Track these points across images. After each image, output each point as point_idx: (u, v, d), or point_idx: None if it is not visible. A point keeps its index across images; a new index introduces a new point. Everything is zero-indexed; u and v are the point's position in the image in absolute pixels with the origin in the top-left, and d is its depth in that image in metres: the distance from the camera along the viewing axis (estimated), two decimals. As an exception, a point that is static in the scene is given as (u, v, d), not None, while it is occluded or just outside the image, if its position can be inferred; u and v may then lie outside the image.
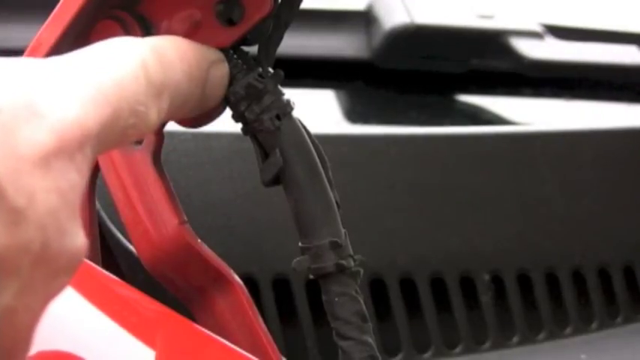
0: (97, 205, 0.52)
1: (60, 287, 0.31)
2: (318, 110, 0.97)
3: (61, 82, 0.32)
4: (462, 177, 0.84)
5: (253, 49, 0.46)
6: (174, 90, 0.38)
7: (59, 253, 0.30)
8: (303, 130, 0.45)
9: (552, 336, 0.84)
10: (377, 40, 1.00)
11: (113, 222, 0.60)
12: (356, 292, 0.44)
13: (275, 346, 0.48)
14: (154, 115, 0.36)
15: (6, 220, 0.28)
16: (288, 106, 0.44)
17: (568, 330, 0.85)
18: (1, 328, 0.29)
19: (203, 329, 0.46)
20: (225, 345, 0.45)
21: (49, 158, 0.30)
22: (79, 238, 0.31)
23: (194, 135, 0.74)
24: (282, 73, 0.45)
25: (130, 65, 0.36)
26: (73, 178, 0.31)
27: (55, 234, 0.30)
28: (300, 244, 0.44)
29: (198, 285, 0.48)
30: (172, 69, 0.38)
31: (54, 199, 0.30)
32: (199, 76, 0.41)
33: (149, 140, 0.47)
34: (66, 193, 0.30)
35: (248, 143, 0.45)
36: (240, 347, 0.46)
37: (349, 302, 0.44)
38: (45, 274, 0.30)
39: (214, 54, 0.42)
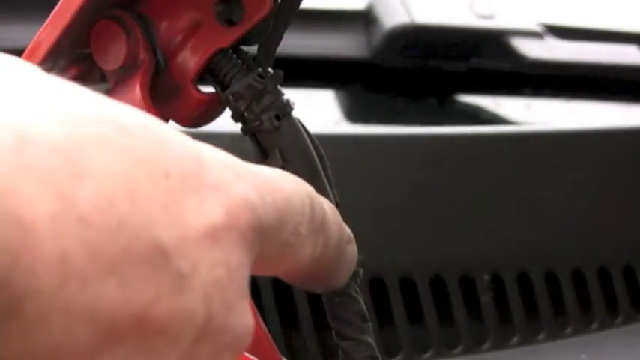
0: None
1: None
2: (318, 110, 0.97)
3: (236, 166, 0.31)
4: (462, 177, 0.84)
5: (253, 49, 0.46)
6: (328, 241, 0.37)
7: (223, 330, 0.29)
8: (302, 130, 0.45)
9: (552, 336, 0.84)
10: (377, 40, 1.00)
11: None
12: (356, 291, 0.44)
13: (275, 346, 0.48)
14: (308, 250, 0.35)
15: (171, 284, 0.28)
16: (287, 106, 0.44)
17: (568, 330, 0.85)
18: None
19: (203, 329, 0.46)
20: (225, 345, 0.45)
21: (218, 231, 0.29)
22: (246, 318, 0.30)
23: (194, 135, 0.73)
24: (281, 73, 0.45)
25: (299, 188, 0.35)
26: (243, 257, 0.30)
27: (221, 308, 0.29)
28: (299, 244, 0.44)
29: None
30: (327, 217, 0.37)
31: (222, 272, 0.29)
32: (341, 243, 0.38)
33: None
34: (234, 269, 0.29)
35: (248, 143, 0.45)
36: (240, 347, 0.46)
37: (349, 302, 0.44)
38: (207, 349, 0.29)
39: (349, 231, 0.40)
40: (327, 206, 0.37)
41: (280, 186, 0.33)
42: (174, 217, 0.28)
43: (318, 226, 0.36)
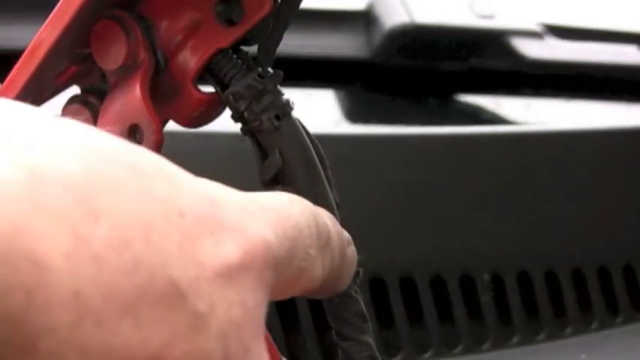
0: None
1: None
2: (318, 110, 0.97)
3: (249, 203, 0.32)
4: (461, 177, 0.84)
5: (253, 49, 0.46)
6: (333, 254, 0.37)
7: None
8: (302, 130, 0.45)
9: (552, 336, 0.84)
10: (377, 40, 1.00)
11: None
12: (355, 292, 0.44)
13: (275, 346, 0.48)
14: (319, 268, 0.35)
15: (188, 325, 0.27)
16: (287, 106, 0.44)
17: (568, 330, 0.85)
18: None
19: (203, 329, 0.46)
20: (225, 345, 0.45)
21: (234, 271, 0.29)
22: (262, 359, 0.30)
23: (194, 135, 0.74)
24: (281, 73, 0.45)
25: (305, 211, 0.35)
26: (260, 297, 0.30)
27: (238, 349, 0.29)
28: (299, 244, 0.44)
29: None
30: (330, 230, 0.37)
31: (238, 312, 0.29)
32: (343, 253, 0.39)
33: (149, 140, 0.47)
34: (251, 309, 0.29)
35: (247, 143, 0.45)
36: (240, 347, 0.46)
37: (349, 302, 0.44)
38: None
39: (347, 234, 0.41)
40: (327, 218, 0.37)
41: (288, 214, 0.33)
42: (190, 256, 0.28)
43: (325, 243, 0.36)
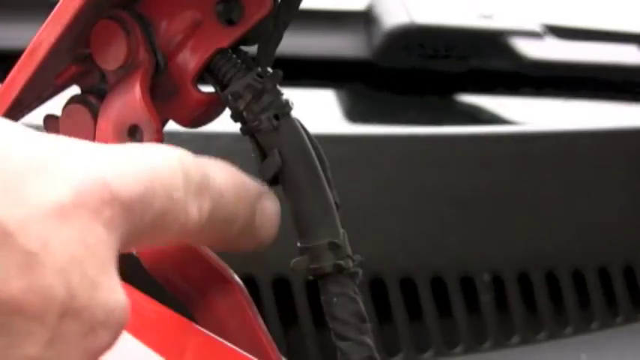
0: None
1: (102, 343, 0.31)
2: (318, 110, 0.97)
3: (89, 149, 0.33)
4: (461, 177, 0.84)
5: (253, 49, 0.46)
6: (219, 198, 0.38)
7: (90, 306, 0.30)
8: (301, 130, 0.45)
9: (552, 336, 0.84)
10: (377, 40, 1.00)
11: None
12: (354, 292, 0.44)
13: (275, 346, 0.48)
14: (194, 211, 0.36)
15: (20, 262, 0.29)
16: (286, 106, 0.44)
17: (568, 330, 0.85)
18: None
19: (203, 330, 0.46)
20: (225, 345, 0.45)
21: (67, 210, 0.30)
22: (115, 294, 0.31)
23: (194, 135, 0.74)
24: (281, 72, 0.45)
25: (167, 155, 0.35)
26: (103, 234, 0.31)
27: (83, 285, 0.30)
28: (298, 244, 0.44)
29: (198, 285, 0.48)
30: (213, 175, 0.38)
31: (78, 249, 0.30)
32: (247, 197, 0.40)
33: (149, 140, 0.47)
34: (93, 245, 0.30)
35: (247, 143, 0.45)
36: (240, 347, 0.46)
37: (348, 303, 0.44)
38: (77, 327, 0.30)
39: (262, 185, 0.42)
40: (214, 167, 0.38)
41: (141, 157, 0.34)
42: (16, 197, 0.29)
43: (198, 187, 0.36)
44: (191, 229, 0.36)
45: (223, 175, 0.39)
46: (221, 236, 0.39)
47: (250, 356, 0.45)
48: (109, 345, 0.31)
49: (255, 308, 0.48)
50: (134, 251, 0.45)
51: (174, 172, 0.35)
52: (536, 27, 1.06)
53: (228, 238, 0.40)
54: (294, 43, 0.94)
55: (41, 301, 0.29)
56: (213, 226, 0.38)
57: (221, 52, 0.45)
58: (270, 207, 0.42)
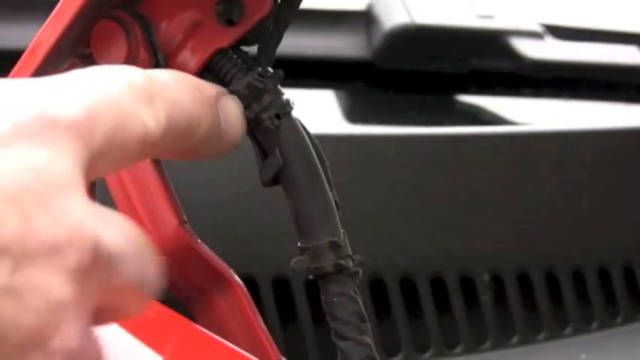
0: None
1: (71, 262, 0.30)
2: (318, 110, 0.97)
3: (18, 82, 0.33)
4: (461, 177, 0.84)
5: (253, 49, 0.46)
6: (174, 103, 0.37)
7: (51, 228, 0.30)
8: (302, 129, 0.45)
9: (552, 336, 0.84)
10: (377, 40, 1.00)
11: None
12: (355, 292, 0.44)
13: (275, 346, 0.48)
14: (149, 120, 0.36)
15: None
16: (287, 106, 0.44)
17: (568, 330, 0.85)
18: None
19: (203, 330, 0.46)
20: (226, 345, 0.45)
21: (6, 140, 0.30)
22: (76, 213, 0.31)
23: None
24: (281, 72, 0.45)
25: (109, 73, 0.35)
26: (50, 156, 0.31)
27: (36, 208, 0.30)
28: (299, 244, 0.44)
29: (198, 285, 0.48)
30: (162, 80, 0.38)
31: (25, 174, 0.30)
32: (204, 98, 0.40)
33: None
34: (42, 169, 0.30)
35: (248, 143, 0.45)
36: (240, 347, 0.46)
37: (348, 302, 0.44)
38: (42, 248, 0.30)
39: (218, 87, 0.42)
40: (162, 74, 0.38)
41: (82, 78, 0.34)
42: None
43: (145, 95, 0.36)
44: (153, 141, 0.36)
45: (173, 80, 0.38)
46: (186, 144, 0.39)
47: (250, 356, 0.45)
48: (81, 264, 0.30)
49: (255, 308, 0.48)
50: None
51: (118, 85, 0.35)
52: (536, 27, 1.06)
53: (195, 145, 0.40)
54: (294, 43, 0.94)
55: None
56: (175, 134, 0.38)
57: (221, 52, 0.45)
58: (232, 106, 0.42)
